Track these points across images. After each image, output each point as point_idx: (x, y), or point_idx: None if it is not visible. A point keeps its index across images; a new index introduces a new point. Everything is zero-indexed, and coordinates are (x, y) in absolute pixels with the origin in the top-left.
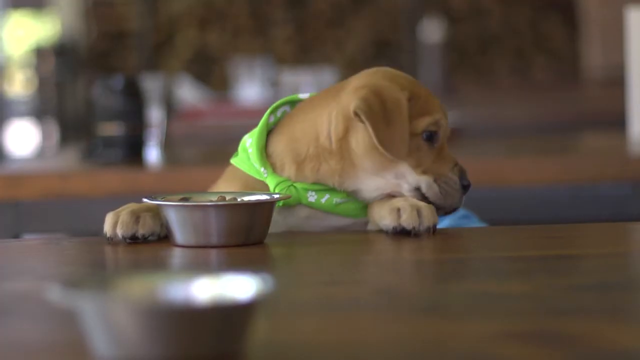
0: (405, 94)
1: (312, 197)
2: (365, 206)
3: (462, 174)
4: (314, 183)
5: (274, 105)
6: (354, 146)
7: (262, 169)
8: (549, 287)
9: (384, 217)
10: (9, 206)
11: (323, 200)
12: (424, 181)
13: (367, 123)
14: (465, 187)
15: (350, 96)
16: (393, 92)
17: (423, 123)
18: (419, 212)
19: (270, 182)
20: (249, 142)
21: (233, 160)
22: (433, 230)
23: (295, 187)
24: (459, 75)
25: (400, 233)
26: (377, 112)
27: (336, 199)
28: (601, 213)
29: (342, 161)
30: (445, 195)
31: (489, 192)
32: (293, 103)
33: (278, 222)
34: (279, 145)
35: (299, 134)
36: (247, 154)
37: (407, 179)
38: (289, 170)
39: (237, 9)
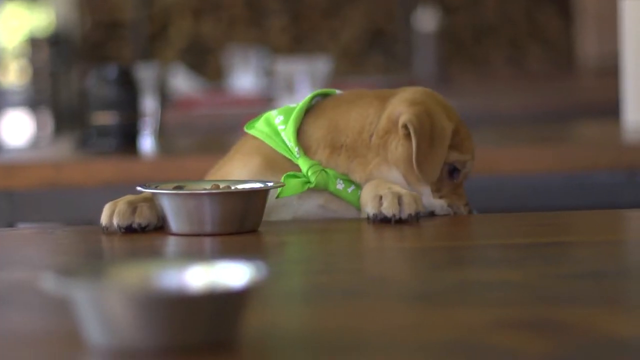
0: (452, 125)
1: (340, 185)
2: None
3: (469, 213)
4: (343, 173)
5: (314, 93)
6: (392, 148)
7: (296, 148)
8: (542, 275)
9: (366, 204)
10: (3, 196)
11: (349, 190)
12: (438, 205)
13: (413, 139)
14: None
15: (403, 106)
16: (442, 120)
17: (452, 156)
18: (400, 199)
19: (302, 163)
20: (280, 119)
21: (254, 132)
22: (417, 218)
23: (326, 172)
24: (453, 65)
25: (382, 221)
26: (425, 132)
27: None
28: (596, 201)
29: (378, 157)
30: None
31: (484, 181)
32: (325, 95)
33: (292, 205)
34: (317, 129)
35: (342, 124)
36: (273, 129)
37: (423, 199)
38: (322, 155)
39: None
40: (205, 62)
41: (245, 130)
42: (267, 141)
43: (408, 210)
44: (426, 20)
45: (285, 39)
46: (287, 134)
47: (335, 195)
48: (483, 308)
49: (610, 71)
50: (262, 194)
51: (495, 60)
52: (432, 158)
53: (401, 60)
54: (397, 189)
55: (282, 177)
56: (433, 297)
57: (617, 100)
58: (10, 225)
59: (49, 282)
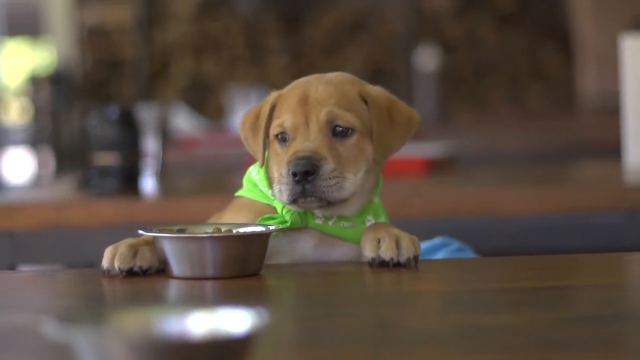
0: (270, 101)
1: (319, 220)
2: None
3: (292, 163)
4: None
5: None
6: None
7: (270, 192)
8: (542, 319)
9: (364, 247)
10: (4, 237)
11: (330, 223)
12: (276, 190)
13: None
14: (296, 174)
15: None
16: (264, 104)
17: (272, 128)
18: (398, 243)
19: (277, 204)
20: (255, 170)
21: (240, 193)
22: (415, 262)
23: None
24: (454, 103)
25: (381, 264)
26: (248, 125)
27: (344, 223)
28: (596, 242)
29: None
30: (282, 193)
31: (484, 222)
32: None
33: (285, 250)
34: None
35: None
36: (252, 183)
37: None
38: None
39: (232, 38)
40: (206, 101)
41: (236, 194)
42: (248, 195)
43: (406, 254)
44: (426, 59)
45: (285, 78)
46: (261, 181)
47: (322, 232)
48: (484, 353)
49: (611, 110)
50: (264, 237)
51: (495, 99)
52: (255, 142)
53: (402, 99)
54: (396, 231)
55: (258, 220)
56: (434, 341)
57: (618, 139)
58: (12, 266)
59: (50, 328)
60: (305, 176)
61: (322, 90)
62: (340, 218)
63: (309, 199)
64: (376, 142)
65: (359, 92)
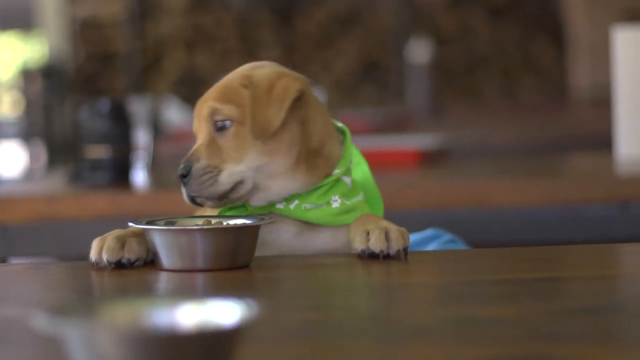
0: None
1: (280, 205)
2: (340, 213)
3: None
4: None
5: None
6: None
7: None
8: (536, 311)
9: (353, 239)
10: None
11: (292, 207)
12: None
13: None
14: (182, 176)
15: None
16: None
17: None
18: (387, 235)
19: None
20: None
21: None
22: (405, 254)
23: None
24: (446, 96)
25: (371, 257)
26: None
27: (305, 205)
28: (589, 234)
29: None
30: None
31: (477, 214)
32: None
33: (267, 241)
34: None
35: None
36: None
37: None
38: None
39: (225, 31)
40: (198, 94)
41: None
42: None
43: (396, 246)
44: (419, 52)
45: None
46: None
47: (293, 218)
48: (477, 345)
49: (603, 102)
50: (254, 229)
51: (488, 92)
52: None
53: (394, 91)
54: (385, 224)
55: (218, 212)
56: (427, 334)
57: (610, 131)
58: (3, 259)
59: (41, 320)
60: (183, 179)
61: (210, 88)
62: (302, 200)
63: (199, 198)
64: (250, 121)
65: (240, 81)
